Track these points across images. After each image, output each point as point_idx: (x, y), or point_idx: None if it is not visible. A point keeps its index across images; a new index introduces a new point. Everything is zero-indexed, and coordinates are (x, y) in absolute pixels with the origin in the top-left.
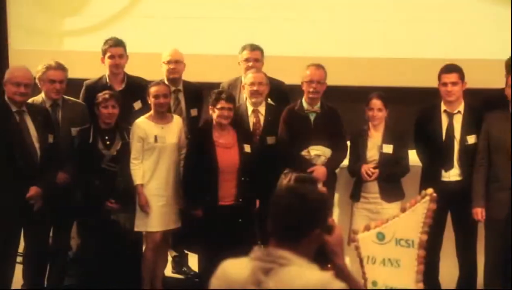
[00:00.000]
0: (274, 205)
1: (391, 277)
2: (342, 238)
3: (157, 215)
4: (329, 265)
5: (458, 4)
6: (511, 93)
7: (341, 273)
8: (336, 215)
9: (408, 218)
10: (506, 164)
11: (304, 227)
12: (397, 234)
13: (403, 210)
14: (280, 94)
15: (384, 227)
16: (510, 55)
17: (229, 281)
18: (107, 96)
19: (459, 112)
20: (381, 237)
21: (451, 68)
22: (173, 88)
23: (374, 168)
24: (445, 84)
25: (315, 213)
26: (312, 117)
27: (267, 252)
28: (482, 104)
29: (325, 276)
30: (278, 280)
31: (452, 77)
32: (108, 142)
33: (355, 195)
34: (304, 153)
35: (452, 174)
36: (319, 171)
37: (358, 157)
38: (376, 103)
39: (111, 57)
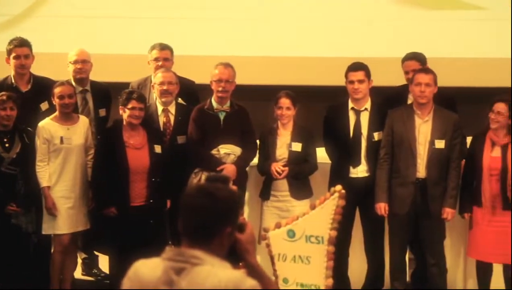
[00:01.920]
0: (184, 204)
1: (301, 274)
2: (254, 236)
3: (64, 217)
4: (241, 264)
5: (363, 3)
6: (416, 90)
7: (253, 271)
8: (246, 213)
9: (318, 215)
10: (409, 159)
11: (215, 226)
12: (307, 231)
13: (313, 207)
14: (190, 93)
15: (295, 225)
16: (405, 54)
17: (141, 281)
18: (4, 97)
19: (366, 109)
20: (291, 234)
21: (357, 66)
22: (80, 88)
23: (284, 166)
24: (352, 82)
25: (226, 212)
26: (221, 116)
27: (179, 252)
28: (384, 102)
29: (237, 275)
30: (190, 279)
31: (359, 75)
32: (7, 145)
33: (265, 193)
34: (214, 152)
35: (360, 170)
36: (229, 169)
37: (268, 155)
38: (285, 102)
39: (16, 57)
